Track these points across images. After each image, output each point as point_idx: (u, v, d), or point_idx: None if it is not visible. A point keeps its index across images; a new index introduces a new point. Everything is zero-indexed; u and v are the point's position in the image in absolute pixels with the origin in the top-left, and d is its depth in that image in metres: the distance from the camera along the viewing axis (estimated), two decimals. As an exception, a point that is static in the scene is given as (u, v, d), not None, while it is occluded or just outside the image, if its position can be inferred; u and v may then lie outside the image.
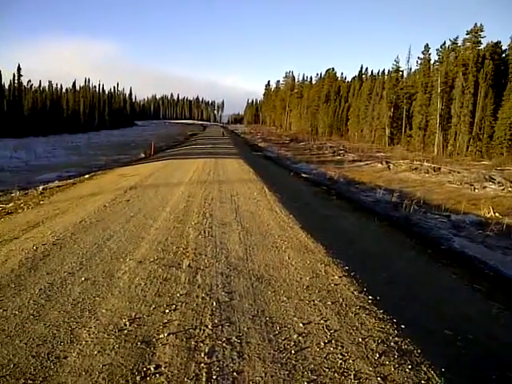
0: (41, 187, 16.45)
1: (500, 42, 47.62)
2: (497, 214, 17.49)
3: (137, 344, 4.10)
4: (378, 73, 69.55)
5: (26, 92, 72.41)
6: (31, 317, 4.62)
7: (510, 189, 23.79)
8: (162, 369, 3.71)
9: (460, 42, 49.40)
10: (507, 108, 41.38)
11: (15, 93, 67.67)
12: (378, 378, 3.70)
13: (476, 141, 44.59)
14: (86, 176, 20.70)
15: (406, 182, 29.04)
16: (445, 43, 51.33)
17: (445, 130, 47.86)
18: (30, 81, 76.23)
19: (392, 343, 4.35)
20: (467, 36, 48.14)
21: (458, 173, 31.45)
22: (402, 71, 60.67)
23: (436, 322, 5.65)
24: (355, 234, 11.38)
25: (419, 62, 55.42)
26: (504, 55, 47.15)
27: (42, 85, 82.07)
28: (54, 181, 19.57)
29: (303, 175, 25.97)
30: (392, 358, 4.04)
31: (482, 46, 47.42)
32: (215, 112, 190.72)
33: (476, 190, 24.32)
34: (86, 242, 7.59)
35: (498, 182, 25.69)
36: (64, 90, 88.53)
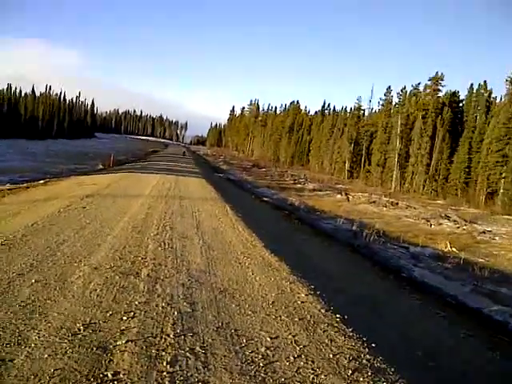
0: (-11, 190, 15.54)
1: (458, 92, 50.41)
2: (453, 249, 17.86)
3: (92, 349, 3.72)
4: (342, 109, 71.53)
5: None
6: (-27, 316, 4.15)
7: (464, 227, 24.48)
8: (121, 376, 3.36)
9: (421, 88, 51.72)
10: (462, 154, 43.25)
11: (-29, 94, 65.36)
12: (352, 396, 3.49)
13: (432, 181, 46.19)
14: (41, 182, 19.79)
15: (364, 214, 29.42)
16: (405, 87, 53.79)
17: (403, 168, 49.39)
18: (-15, 82, 74.04)
19: (364, 360, 4.17)
20: (428, 82, 50.42)
21: (415, 208, 32.24)
22: (364, 110, 62.93)
23: (405, 342, 5.53)
24: (318, 256, 11.29)
25: (381, 102, 57.72)
26: (461, 104, 49.73)
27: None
28: (6, 184, 18.60)
29: (265, 199, 25.86)
30: (366, 375, 3.85)
31: (441, 94, 49.89)
32: (178, 132, 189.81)
33: (432, 226, 24.87)
34: (38, 244, 7.08)
35: (454, 220, 26.42)
36: (23, 95, 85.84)
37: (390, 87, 56.46)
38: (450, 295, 9.47)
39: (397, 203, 34.93)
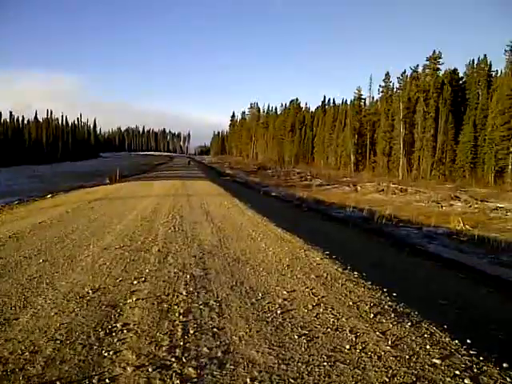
0: (-1, 205, 15.56)
1: (457, 70, 49.59)
2: (467, 227, 17.55)
3: (101, 307, 3.60)
4: (342, 101, 71.12)
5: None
6: (-23, 290, 4.05)
7: (476, 206, 24.11)
8: (131, 326, 3.24)
9: (420, 69, 51.21)
10: (467, 132, 42.69)
11: (-26, 124, 65.90)
12: (377, 333, 3.31)
13: (439, 164, 45.66)
14: (49, 196, 19.83)
15: (374, 202, 29.11)
16: (405, 71, 53.20)
17: (409, 155, 48.89)
18: (-11, 113, 74.52)
19: (386, 306, 3.99)
20: (427, 62, 49.84)
21: (424, 193, 31.87)
22: (364, 99, 62.26)
23: (428, 293, 5.34)
24: (330, 233, 11.11)
25: (381, 90, 57.11)
26: (461, 82, 49.09)
27: (3, 117, 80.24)
28: (15, 202, 18.63)
29: (273, 194, 25.71)
30: (389, 318, 3.67)
31: (441, 73, 49.24)
32: (181, 143, 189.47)
33: (443, 208, 24.53)
34: (46, 235, 7.01)
35: (465, 200, 26.05)
36: (26, 122, 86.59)
37: (388, 73, 55.96)
38: (468, 266, 9.23)
39: (406, 189, 34.58)
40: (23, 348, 2.87)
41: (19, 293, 3.96)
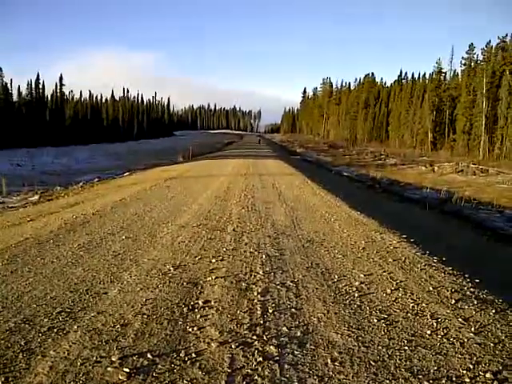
0: (81, 183, 16.55)
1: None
2: None
3: (182, 284, 3.77)
4: (419, 76, 67.79)
5: (67, 102, 74.33)
6: (69, 263, 4.39)
7: None
8: (212, 303, 3.37)
9: (508, 39, 47.45)
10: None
11: (57, 103, 69.36)
12: (459, 319, 3.21)
13: (525, 143, 42.67)
14: (126, 174, 20.78)
15: (452, 183, 27.82)
16: (490, 42, 49.57)
17: (491, 133, 45.99)
18: (71, 91, 78.13)
19: (468, 292, 3.84)
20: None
21: (508, 174, 30.00)
22: (445, 73, 58.78)
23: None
24: (407, 215, 10.79)
25: (463, 62, 53.65)
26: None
27: (83, 95, 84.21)
28: (94, 179, 19.73)
29: (344, 174, 25.32)
30: (471, 304, 3.53)
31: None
32: (252, 121, 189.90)
33: (531, 190, 22.96)
34: (127, 213, 7.38)
35: (561, 181, 24.19)
36: (104, 101, 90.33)
37: (472, 44, 52.38)
38: None
39: (486, 170, 32.68)
40: (114, 321, 3.06)
41: (106, 268, 4.22)
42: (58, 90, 69.52)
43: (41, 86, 64.61)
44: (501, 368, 2.56)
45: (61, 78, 69.57)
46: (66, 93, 74.26)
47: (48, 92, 68.48)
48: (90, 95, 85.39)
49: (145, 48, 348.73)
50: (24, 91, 62.73)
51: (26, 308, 3.25)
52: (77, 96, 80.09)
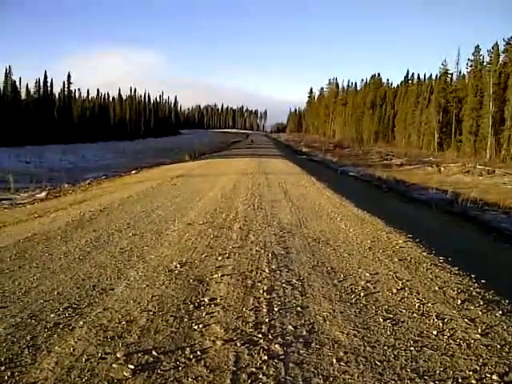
0: (88, 180, 16.63)
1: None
2: None
3: (189, 281, 3.79)
4: (425, 77, 67.47)
5: (75, 100, 74.59)
6: (77, 259, 4.43)
7: None
8: (218, 301, 3.38)
9: (515, 42, 47.19)
10: None
11: (65, 101, 69.59)
12: (466, 320, 3.19)
13: (532, 145, 42.39)
14: (133, 171, 20.86)
15: (458, 184, 27.67)
16: (497, 43, 49.32)
17: (497, 135, 45.71)
18: (79, 89, 78.26)
19: (474, 293, 3.82)
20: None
21: (515, 175, 29.81)
22: (451, 74, 58.60)
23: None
24: (413, 216, 10.76)
25: (469, 64, 53.41)
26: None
27: (90, 94, 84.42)
28: (102, 176, 19.82)
29: (350, 174, 25.26)
30: (477, 305, 3.51)
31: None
32: (258, 121, 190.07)
33: (539, 191, 22.81)
34: (134, 210, 7.43)
35: None
36: (111, 99, 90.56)
37: (478, 46, 52.16)
38: None
39: (493, 171, 32.49)
40: (120, 317, 3.07)
41: (113, 265, 4.26)
42: (66, 89, 69.61)
43: (49, 85, 64.69)
44: (507, 370, 2.54)
45: (69, 77, 69.66)
46: (74, 91, 74.38)
47: (55, 90, 68.60)
48: (98, 94, 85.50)
49: (152, 48, 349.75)
50: (32, 89, 62.93)
51: (33, 303, 3.28)
52: (84, 94, 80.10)
